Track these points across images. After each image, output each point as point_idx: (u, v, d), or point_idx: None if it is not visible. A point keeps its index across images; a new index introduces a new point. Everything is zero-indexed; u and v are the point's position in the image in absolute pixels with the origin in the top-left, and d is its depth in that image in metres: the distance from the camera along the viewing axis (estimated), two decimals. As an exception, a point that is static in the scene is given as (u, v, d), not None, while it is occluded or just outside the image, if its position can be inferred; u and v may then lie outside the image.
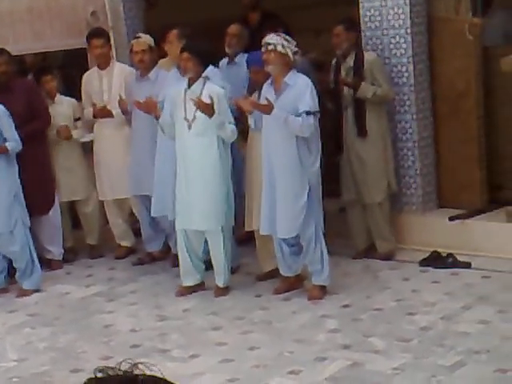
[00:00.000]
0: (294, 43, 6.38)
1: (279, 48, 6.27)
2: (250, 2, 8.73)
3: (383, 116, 7.23)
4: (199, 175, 6.55)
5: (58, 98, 7.89)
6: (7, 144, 6.98)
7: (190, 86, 6.60)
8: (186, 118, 6.56)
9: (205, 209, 6.56)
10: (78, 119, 7.92)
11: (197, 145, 6.53)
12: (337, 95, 7.20)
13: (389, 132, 7.29)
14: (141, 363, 1.44)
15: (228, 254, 6.74)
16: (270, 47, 6.29)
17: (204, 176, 6.54)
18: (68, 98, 7.94)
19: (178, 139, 6.63)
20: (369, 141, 7.11)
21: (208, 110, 6.41)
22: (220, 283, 6.79)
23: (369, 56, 7.19)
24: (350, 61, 7.12)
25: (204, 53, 6.63)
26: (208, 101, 6.43)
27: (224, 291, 6.79)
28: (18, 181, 7.08)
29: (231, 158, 6.94)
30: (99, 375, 1.41)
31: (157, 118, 6.76)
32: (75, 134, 7.86)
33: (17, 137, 7.01)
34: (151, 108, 6.80)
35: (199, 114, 6.48)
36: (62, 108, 7.85)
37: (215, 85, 6.62)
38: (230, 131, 6.54)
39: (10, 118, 7.01)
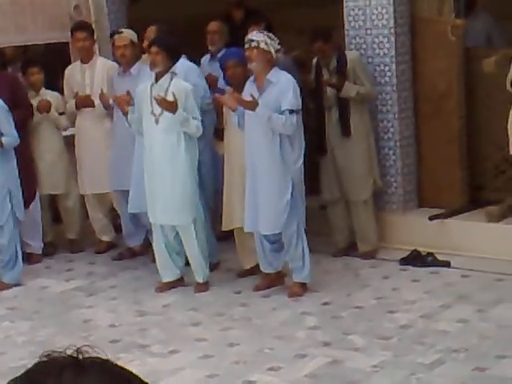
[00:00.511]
0: (277, 41, 6.38)
1: (262, 45, 6.28)
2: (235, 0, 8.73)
3: (366, 115, 7.26)
4: (167, 170, 6.54)
5: (43, 91, 7.86)
6: (3, 138, 6.94)
7: (157, 80, 6.60)
8: (153, 113, 6.56)
9: (174, 203, 6.56)
10: (62, 113, 7.89)
11: (164, 139, 6.53)
12: (318, 95, 7.20)
13: (372, 130, 7.32)
14: (87, 346, 1.44)
15: (203, 249, 6.73)
16: (253, 44, 6.29)
17: (171, 170, 6.54)
18: (52, 92, 7.91)
19: (146, 134, 6.63)
20: (353, 139, 7.13)
21: (171, 107, 6.41)
22: (199, 279, 6.79)
23: (351, 55, 7.21)
24: (333, 61, 7.13)
25: (173, 47, 6.64)
26: (171, 98, 6.43)
27: (204, 286, 6.79)
28: (16, 175, 7.05)
29: (210, 155, 6.95)
30: (43, 359, 1.41)
31: (124, 113, 6.72)
32: (60, 122, 7.83)
33: (14, 133, 6.98)
34: (121, 103, 6.74)
35: None
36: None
37: (183, 80, 6.65)
38: (195, 127, 6.52)
39: (8, 113, 6.98)
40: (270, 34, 6.41)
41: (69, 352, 1.42)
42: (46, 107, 7.71)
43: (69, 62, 8.23)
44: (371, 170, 7.26)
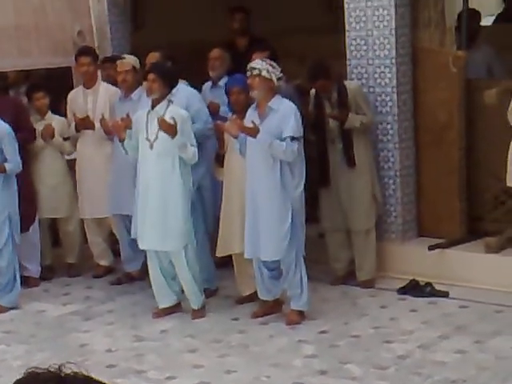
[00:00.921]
0: (279, 69, 6.41)
1: (264, 73, 6.31)
2: (240, 27, 8.78)
3: (369, 145, 7.28)
4: (160, 195, 6.55)
5: (49, 115, 7.90)
6: (6, 165, 6.97)
7: (153, 107, 6.62)
8: (147, 139, 6.59)
9: (167, 230, 6.55)
10: (67, 138, 7.91)
11: (158, 165, 6.55)
12: (320, 127, 7.19)
13: (374, 159, 7.34)
14: (71, 363, 1.45)
15: (196, 275, 6.71)
16: (255, 72, 6.32)
17: (165, 196, 6.55)
18: (58, 117, 7.95)
19: (140, 159, 6.66)
20: (357, 170, 7.14)
21: (171, 130, 6.43)
22: (194, 305, 6.77)
23: (351, 85, 7.24)
24: (334, 94, 7.15)
25: (169, 74, 6.68)
26: (171, 121, 6.45)
27: (200, 313, 6.77)
28: (16, 200, 7.07)
29: (211, 180, 6.95)
30: (26, 375, 1.42)
31: (120, 139, 6.73)
32: (63, 147, 7.85)
33: (18, 159, 7.01)
34: (118, 129, 6.75)
35: (161, 134, 6.50)
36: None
37: (185, 106, 6.71)
38: (192, 153, 6.55)
39: (14, 140, 7.01)
40: (272, 62, 6.44)
41: (52, 368, 1.43)
42: (49, 133, 7.75)
43: (71, 87, 8.27)
44: (374, 199, 7.28)
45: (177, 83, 6.78)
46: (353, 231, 7.30)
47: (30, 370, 1.41)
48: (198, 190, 7.10)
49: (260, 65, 6.34)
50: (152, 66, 6.86)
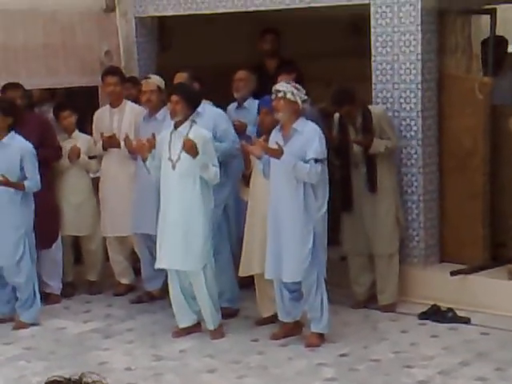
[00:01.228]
0: (304, 91, 6.43)
1: (289, 95, 6.32)
2: (270, 48, 8.81)
3: (393, 169, 7.27)
4: (181, 215, 6.55)
5: (75, 133, 7.98)
6: (25, 182, 7.01)
7: (176, 127, 6.65)
8: (170, 159, 6.60)
9: (187, 249, 6.55)
10: (93, 157, 7.97)
11: (180, 185, 6.56)
12: (344, 152, 7.20)
13: (397, 183, 7.32)
14: (92, 373, 1.46)
15: (213, 296, 6.70)
16: (280, 94, 6.33)
17: (185, 216, 6.55)
18: (84, 135, 8.02)
19: (163, 179, 6.66)
20: (380, 195, 7.13)
21: (193, 150, 6.45)
22: (210, 326, 6.76)
23: (375, 109, 7.23)
24: (359, 118, 7.16)
25: (193, 96, 6.69)
26: (196, 140, 6.48)
27: (218, 333, 6.75)
28: (32, 218, 7.11)
29: (236, 200, 6.96)
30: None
31: (143, 159, 6.74)
32: (89, 166, 7.90)
33: (38, 178, 7.05)
34: (141, 149, 6.75)
35: (184, 154, 6.52)
36: (77, 144, 7.90)
37: (212, 126, 6.76)
38: (214, 173, 6.55)
39: (35, 158, 7.05)
40: (297, 85, 6.46)
41: (73, 377, 1.43)
42: (76, 154, 7.81)
43: (96, 105, 8.33)
44: (398, 224, 7.25)
45: (199, 104, 6.80)
46: (376, 255, 7.27)
47: (51, 379, 1.41)
48: (223, 210, 7.10)
49: (285, 87, 6.36)
50: (175, 88, 6.88)
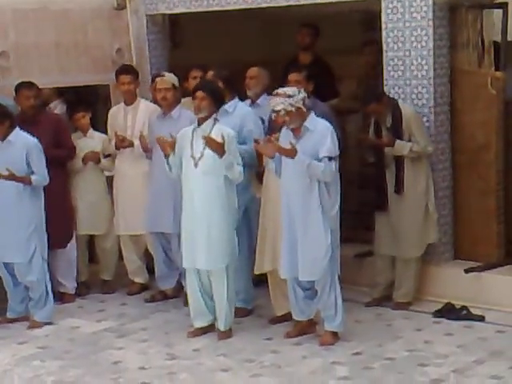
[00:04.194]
0: (298, 90, 6.33)
1: (289, 109, 6.25)
2: (305, 43, 8.75)
3: (423, 172, 7.18)
4: (205, 214, 6.54)
5: (90, 132, 8.00)
6: (32, 177, 7.02)
7: (199, 124, 6.63)
8: (192, 156, 6.58)
9: (210, 248, 6.55)
10: (109, 155, 7.98)
11: (203, 183, 6.54)
12: (379, 151, 7.20)
13: (430, 186, 7.25)
14: None
15: (231, 297, 6.70)
16: (282, 113, 6.26)
17: (209, 215, 6.54)
18: (99, 134, 8.03)
19: (185, 178, 6.65)
20: (407, 197, 7.12)
21: (219, 148, 6.42)
22: (221, 327, 6.74)
23: (406, 110, 7.16)
24: (389, 119, 7.13)
25: (218, 93, 6.68)
26: (219, 139, 6.45)
27: (227, 334, 6.73)
28: (43, 214, 7.11)
29: (258, 202, 6.94)
30: None
31: (165, 155, 6.73)
32: (104, 165, 7.92)
33: (45, 172, 7.05)
34: (164, 144, 6.73)
35: (207, 152, 6.50)
36: (92, 142, 7.95)
37: (239, 123, 6.77)
38: (238, 172, 6.54)
39: (41, 153, 7.06)
40: (288, 91, 6.32)
41: None
42: (94, 159, 7.84)
43: (104, 102, 8.32)
44: (426, 228, 7.21)
45: (224, 102, 6.79)
46: (398, 257, 7.25)
47: None
48: (244, 212, 7.09)
49: (281, 105, 6.25)
50: (201, 84, 6.84)
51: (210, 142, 6.42)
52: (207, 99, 6.55)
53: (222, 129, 6.56)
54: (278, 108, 6.27)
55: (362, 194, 8.03)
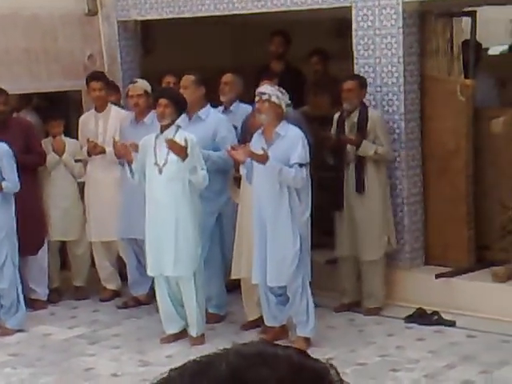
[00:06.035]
0: (288, 96, 6.44)
1: (273, 98, 6.33)
2: (277, 51, 8.80)
3: (383, 174, 7.28)
4: (171, 220, 6.54)
5: (62, 138, 7.96)
6: (3, 183, 6.98)
7: (162, 131, 6.64)
8: (156, 163, 6.59)
9: (177, 254, 6.54)
10: (79, 161, 7.96)
11: (168, 189, 6.54)
12: (339, 150, 7.24)
13: (388, 188, 7.32)
14: None
15: (201, 303, 6.70)
16: (265, 97, 6.34)
17: (175, 221, 6.54)
18: (70, 139, 8.01)
19: (148, 184, 6.64)
20: (368, 197, 7.16)
21: (182, 151, 6.44)
22: (193, 333, 6.74)
23: (372, 113, 7.23)
24: (354, 117, 7.18)
25: (181, 100, 6.69)
26: (182, 143, 6.47)
27: (199, 340, 6.73)
28: (14, 220, 7.08)
29: (233, 208, 6.95)
30: None
31: (128, 162, 6.73)
32: (75, 169, 7.92)
33: (16, 179, 7.02)
34: (126, 151, 6.73)
35: (171, 158, 6.50)
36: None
37: (212, 130, 6.79)
38: (202, 177, 6.54)
39: (12, 159, 7.03)
40: (281, 89, 6.47)
41: None
42: (60, 148, 7.78)
43: (76, 109, 8.30)
44: (385, 230, 7.26)
45: (185, 109, 6.81)
46: (362, 260, 7.29)
47: None
48: (218, 217, 7.10)
49: (270, 90, 6.37)
50: (163, 91, 6.88)
51: (172, 145, 6.43)
52: (170, 106, 6.56)
53: (184, 134, 6.57)
54: (266, 91, 6.33)
55: (318, 197, 8.06)
